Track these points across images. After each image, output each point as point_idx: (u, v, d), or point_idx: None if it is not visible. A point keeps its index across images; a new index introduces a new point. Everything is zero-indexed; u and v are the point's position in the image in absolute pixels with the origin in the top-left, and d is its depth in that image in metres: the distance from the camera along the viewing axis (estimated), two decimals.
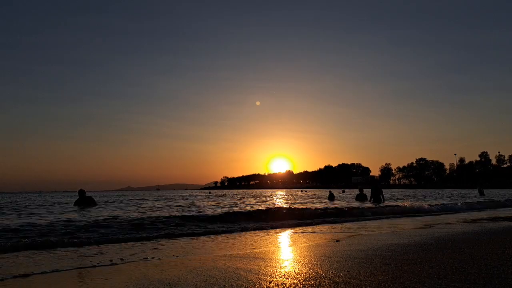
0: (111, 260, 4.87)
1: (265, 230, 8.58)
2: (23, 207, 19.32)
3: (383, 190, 21.45)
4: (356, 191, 25.53)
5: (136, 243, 6.69)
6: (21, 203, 24.94)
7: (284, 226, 9.27)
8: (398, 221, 10.67)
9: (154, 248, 5.99)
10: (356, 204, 19.05)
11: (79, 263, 4.75)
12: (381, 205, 17.76)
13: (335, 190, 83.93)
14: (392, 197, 29.84)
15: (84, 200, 19.07)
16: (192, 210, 14.76)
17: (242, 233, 8.10)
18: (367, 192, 22.42)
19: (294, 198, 31.46)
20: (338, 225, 9.66)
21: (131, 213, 13.93)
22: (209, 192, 75.10)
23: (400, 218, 11.96)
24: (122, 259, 4.95)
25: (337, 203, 20.41)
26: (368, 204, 18.42)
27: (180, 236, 7.61)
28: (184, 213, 12.22)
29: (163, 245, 6.44)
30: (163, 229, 8.35)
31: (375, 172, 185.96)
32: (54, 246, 6.14)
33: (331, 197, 27.01)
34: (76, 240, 6.63)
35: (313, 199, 29.30)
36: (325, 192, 58.91)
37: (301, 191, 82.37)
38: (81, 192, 19.19)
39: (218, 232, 8.22)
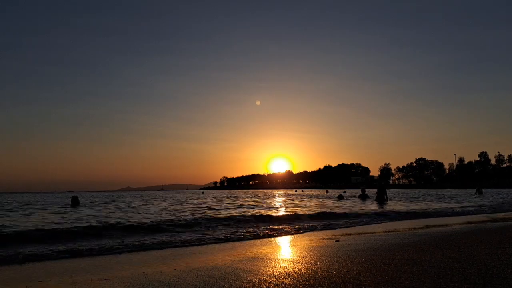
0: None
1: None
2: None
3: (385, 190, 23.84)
4: (357, 191, 27.66)
5: None
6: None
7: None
8: None
9: None
10: (360, 202, 21.21)
11: None
12: (385, 204, 19.32)
13: (332, 190, 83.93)
14: (392, 197, 29.86)
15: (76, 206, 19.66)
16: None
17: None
18: (369, 192, 24.47)
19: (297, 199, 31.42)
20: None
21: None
22: (202, 192, 77.13)
23: None
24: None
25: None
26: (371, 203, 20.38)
27: None
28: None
29: None
30: None
31: (374, 172, 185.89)
32: None
33: (340, 197, 28.98)
34: None
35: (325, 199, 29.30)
36: (321, 192, 58.99)
37: (295, 191, 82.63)
38: (74, 199, 19.92)
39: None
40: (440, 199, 25.11)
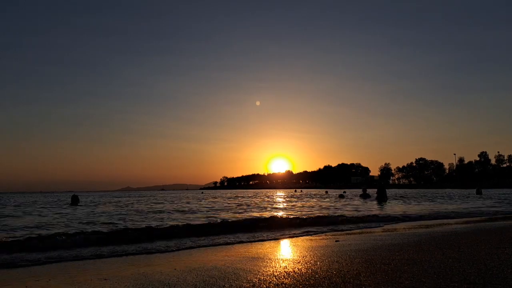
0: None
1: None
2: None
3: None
4: (356, 191, 28.52)
5: None
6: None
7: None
8: None
9: None
10: (361, 202, 21.90)
11: None
12: (384, 203, 20.42)
13: (332, 190, 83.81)
14: (391, 197, 29.90)
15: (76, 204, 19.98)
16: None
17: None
18: (370, 192, 27.74)
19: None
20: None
21: None
22: (202, 193, 77.47)
23: None
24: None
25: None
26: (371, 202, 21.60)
27: None
28: None
29: None
30: None
31: (374, 172, 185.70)
32: None
33: (341, 197, 29.86)
34: None
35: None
36: (319, 192, 59.01)
37: (295, 191, 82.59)
38: (74, 198, 20.31)
39: None
40: (456, 200, 25.09)
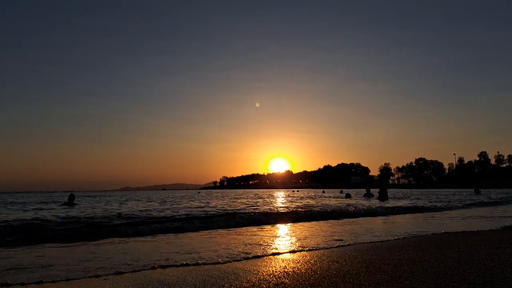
0: None
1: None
2: None
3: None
4: (354, 191, 29.24)
5: None
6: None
7: None
8: None
9: None
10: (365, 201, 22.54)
11: None
12: (387, 201, 21.43)
13: (332, 190, 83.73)
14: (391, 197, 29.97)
15: (72, 204, 19.87)
16: None
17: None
18: (373, 192, 28.60)
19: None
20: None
21: None
22: (198, 192, 77.86)
23: None
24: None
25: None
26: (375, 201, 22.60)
27: None
28: None
29: None
30: None
31: (374, 172, 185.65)
32: None
33: (348, 196, 30.04)
34: None
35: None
36: (317, 192, 58.95)
37: (293, 191, 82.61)
38: (71, 197, 20.18)
39: None
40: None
